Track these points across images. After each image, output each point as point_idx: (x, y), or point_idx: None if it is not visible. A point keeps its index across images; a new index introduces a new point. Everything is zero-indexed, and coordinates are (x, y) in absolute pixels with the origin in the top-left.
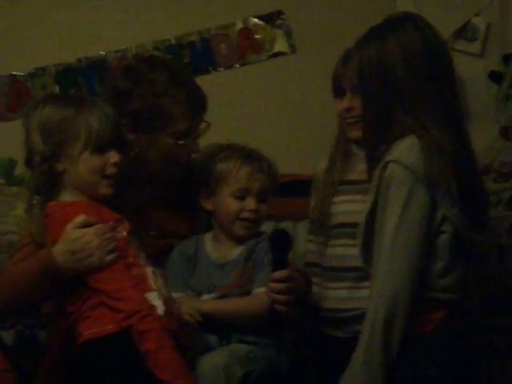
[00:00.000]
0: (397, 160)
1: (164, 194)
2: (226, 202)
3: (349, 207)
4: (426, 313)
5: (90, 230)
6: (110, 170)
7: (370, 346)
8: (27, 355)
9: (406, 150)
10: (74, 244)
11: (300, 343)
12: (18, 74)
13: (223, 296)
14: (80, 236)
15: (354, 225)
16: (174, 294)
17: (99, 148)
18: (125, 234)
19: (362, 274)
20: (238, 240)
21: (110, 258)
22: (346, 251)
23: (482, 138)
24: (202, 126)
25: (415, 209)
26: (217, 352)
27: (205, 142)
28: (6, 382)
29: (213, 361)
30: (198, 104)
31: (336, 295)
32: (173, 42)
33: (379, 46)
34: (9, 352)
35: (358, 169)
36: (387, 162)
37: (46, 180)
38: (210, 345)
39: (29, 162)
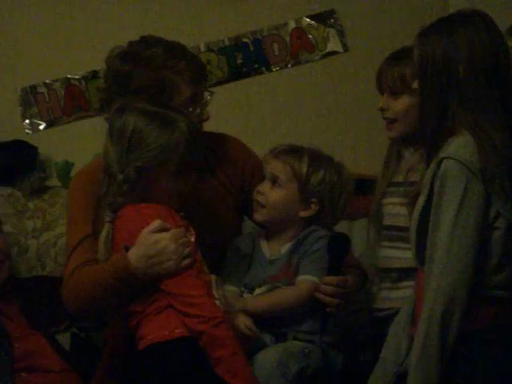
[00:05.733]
0: (452, 156)
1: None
2: None
3: (392, 209)
4: (477, 309)
5: (166, 235)
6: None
7: (427, 342)
8: (84, 358)
9: (461, 147)
10: (151, 249)
11: (354, 342)
12: (72, 77)
13: (272, 288)
14: (157, 241)
15: (395, 228)
16: (227, 287)
17: (183, 172)
18: (193, 239)
19: (401, 275)
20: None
21: (185, 262)
22: (388, 253)
23: None
24: (207, 95)
25: (472, 205)
26: (271, 348)
27: (261, 141)
28: (69, 381)
29: (268, 357)
30: (198, 70)
31: (379, 294)
32: (226, 43)
33: (446, 40)
34: (66, 355)
35: (403, 170)
36: (442, 159)
37: (124, 200)
38: (266, 344)
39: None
